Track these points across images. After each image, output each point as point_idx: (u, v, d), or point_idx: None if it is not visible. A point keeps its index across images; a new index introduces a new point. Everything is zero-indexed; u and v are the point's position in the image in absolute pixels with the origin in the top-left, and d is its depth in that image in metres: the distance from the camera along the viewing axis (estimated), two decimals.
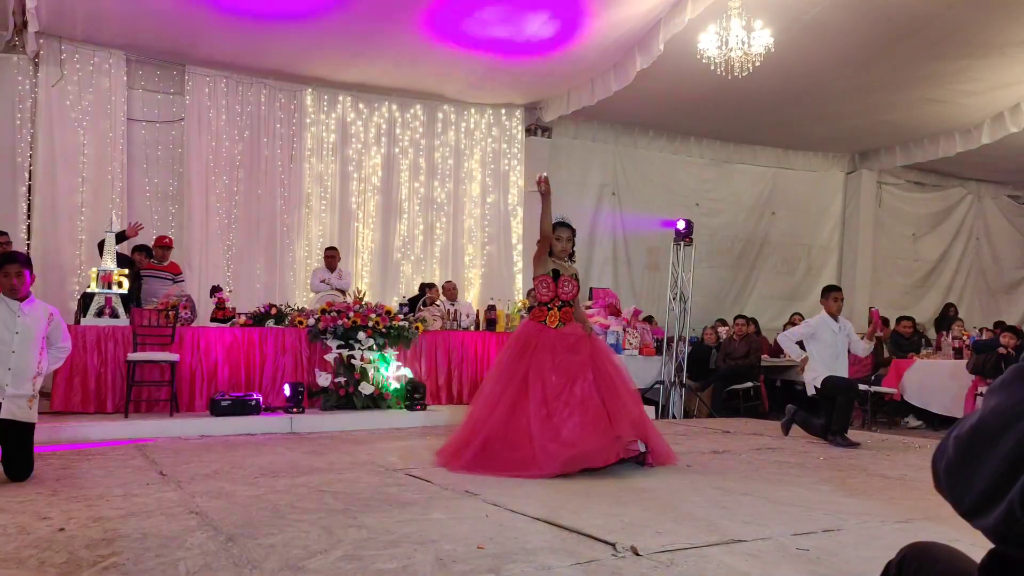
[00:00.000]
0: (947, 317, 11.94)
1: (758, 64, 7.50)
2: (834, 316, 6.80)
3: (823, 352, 6.72)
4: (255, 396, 6.93)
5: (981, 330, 9.19)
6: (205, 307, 8.08)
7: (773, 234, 12.43)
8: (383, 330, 7.66)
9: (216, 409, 6.72)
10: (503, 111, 10.51)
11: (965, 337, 8.99)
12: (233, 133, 9.33)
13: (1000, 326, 10.77)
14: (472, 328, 8.65)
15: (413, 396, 7.51)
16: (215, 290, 7.89)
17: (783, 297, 12.43)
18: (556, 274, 5.14)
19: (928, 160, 11.99)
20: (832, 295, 6.85)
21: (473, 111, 10.40)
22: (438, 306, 8.75)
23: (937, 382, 8.37)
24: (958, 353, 8.83)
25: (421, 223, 10.14)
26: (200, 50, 8.97)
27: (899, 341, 9.28)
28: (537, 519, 3.44)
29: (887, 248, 12.97)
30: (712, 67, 7.58)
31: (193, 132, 9.13)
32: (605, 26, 8.36)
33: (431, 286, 9.16)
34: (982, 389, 7.84)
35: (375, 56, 9.19)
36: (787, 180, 12.50)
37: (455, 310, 8.72)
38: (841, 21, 8.30)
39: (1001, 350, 7.55)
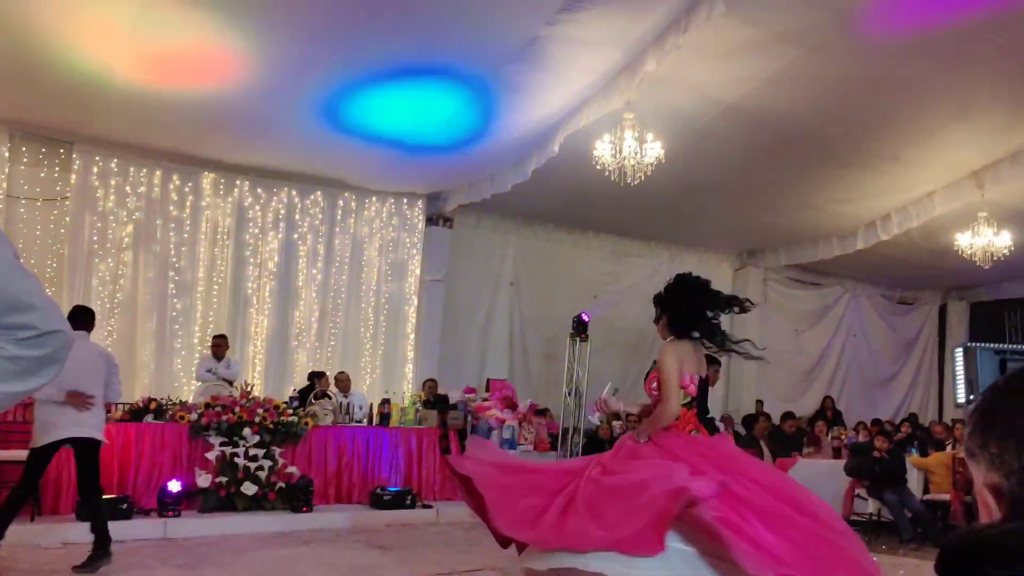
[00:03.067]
0: (825, 410, 12.46)
1: (650, 173, 7.81)
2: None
3: None
4: (127, 498, 6.54)
5: (857, 428, 9.61)
6: None
7: None
8: (270, 426, 7.41)
9: (82, 513, 6.29)
10: (405, 200, 10.56)
11: (844, 437, 9.38)
12: (122, 214, 9.02)
13: (877, 424, 11.32)
14: (365, 422, 8.46)
15: (299, 497, 7.24)
16: None
17: None
18: None
19: (809, 261, 12.67)
20: (711, 368, 7.24)
21: (375, 199, 10.41)
22: (330, 398, 8.54)
23: (818, 481, 8.64)
24: (837, 452, 9.19)
25: (317, 310, 9.97)
26: (91, 127, 8.70)
27: (782, 439, 9.59)
28: None
29: (773, 342, 13.44)
30: (606, 173, 7.85)
31: (77, 212, 8.78)
32: (506, 126, 8.59)
33: (321, 375, 8.96)
34: (859, 491, 8.15)
35: (274, 141, 9.13)
36: None
37: (348, 403, 8.54)
38: (728, 131, 8.79)
39: (876, 453, 7.89)
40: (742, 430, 11.55)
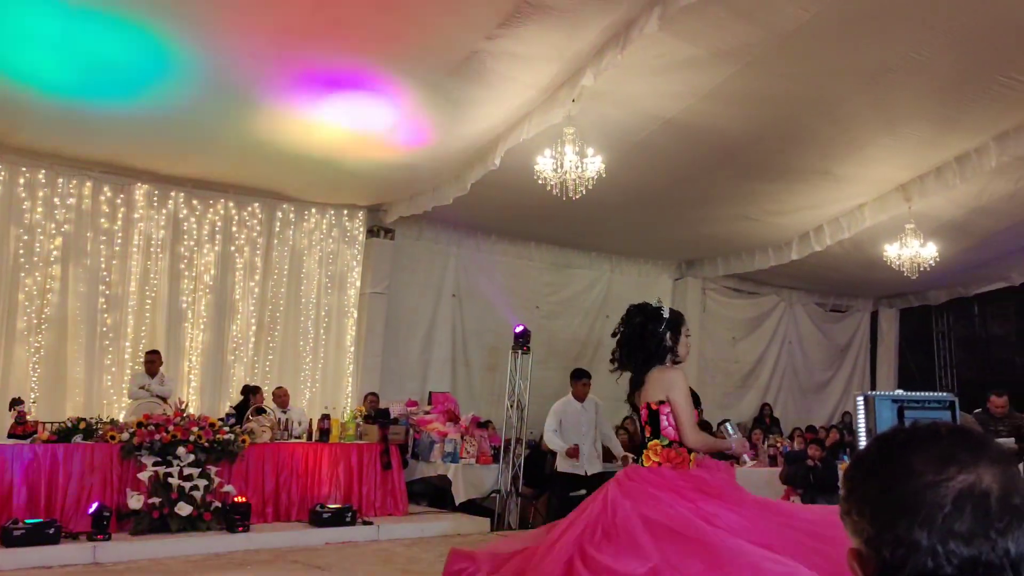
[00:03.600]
0: (763, 417, 12.72)
1: (591, 187, 7.87)
2: (579, 399, 7.55)
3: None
4: (53, 522, 6.31)
5: (792, 436, 9.83)
6: (4, 420, 7.36)
7: (607, 337, 12.79)
8: (206, 445, 7.25)
9: (8, 539, 6.07)
10: (345, 211, 10.46)
11: (780, 445, 9.58)
12: (50, 227, 8.73)
13: (812, 431, 11.59)
14: (304, 438, 8.33)
15: (235, 517, 7.09)
16: (15, 403, 7.21)
17: (617, 398, 12.74)
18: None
19: (746, 271, 12.95)
20: (581, 380, 7.70)
21: (314, 211, 10.29)
22: (268, 414, 8.39)
23: (756, 490, 8.80)
24: (773, 460, 9.38)
25: (255, 324, 9.79)
26: (16, 137, 8.41)
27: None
28: None
29: (711, 351, 13.74)
30: (548, 188, 7.89)
31: (2, 224, 8.47)
32: (447, 139, 8.58)
33: (256, 390, 8.79)
34: (794, 498, 8.33)
35: (210, 151, 8.96)
36: (620, 285, 13.08)
37: (286, 419, 8.40)
38: (666, 144, 8.93)
39: (809, 462, 8.08)
40: None
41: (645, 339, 3.81)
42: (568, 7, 6.42)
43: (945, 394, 2.67)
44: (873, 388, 15.85)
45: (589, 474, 7.49)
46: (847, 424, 13.66)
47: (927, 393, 2.68)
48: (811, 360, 15.01)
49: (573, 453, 7.41)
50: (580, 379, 7.82)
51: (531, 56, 7.12)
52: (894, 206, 10.50)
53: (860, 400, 2.64)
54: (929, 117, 8.79)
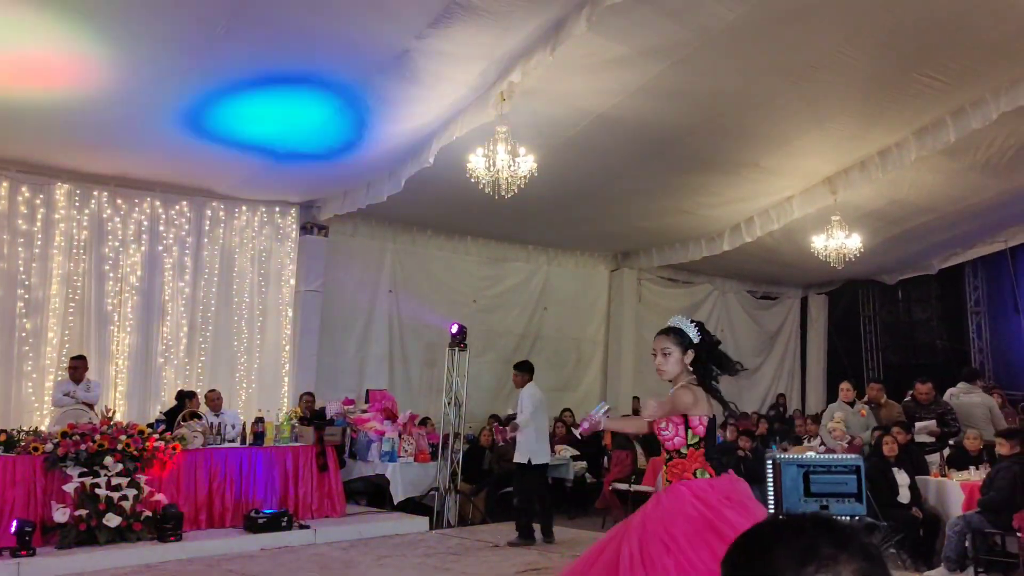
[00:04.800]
0: None
1: (523, 186, 7.88)
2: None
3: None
4: None
5: (724, 426, 10.01)
6: None
7: (545, 329, 12.99)
8: (135, 453, 7.07)
9: None
10: (277, 208, 10.27)
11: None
12: None
13: (745, 418, 11.87)
14: (238, 442, 8.19)
15: (166, 526, 6.94)
16: None
17: (555, 389, 12.92)
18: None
19: (680, 262, 13.16)
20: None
21: (245, 208, 10.07)
22: (200, 418, 8.22)
23: None
24: None
25: (186, 325, 9.56)
26: None
27: (652, 439, 9.90)
28: None
29: (647, 340, 13.90)
30: (481, 186, 7.87)
31: None
32: (380, 136, 8.48)
33: (191, 395, 8.61)
34: None
35: (135, 149, 8.70)
36: (557, 278, 13.16)
37: (219, 423, 8.24)
38: (599, 139, 8.99)
39: (740, 452, 8.28)
40: None
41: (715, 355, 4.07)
42: (498, 8, 6.39)
43: (852, 457, 2.77)
44: (804, 373, 16.34)
45: (547, 464, 7.84)
46: (780, 412, 14.05)
47: (833, 456, 2.78)
48: (743, 346, 15.33)
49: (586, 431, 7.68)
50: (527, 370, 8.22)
51: (462, 55, 7.08)
52: (821, 198, 10.78)
53: (769, 464, 2.71)
54: (853, 113, 9.04)
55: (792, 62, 7.90)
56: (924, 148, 9.52)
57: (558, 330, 13.14)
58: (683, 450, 3.69)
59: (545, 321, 13.01)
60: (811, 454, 2.73)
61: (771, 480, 2.72)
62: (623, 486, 9.17)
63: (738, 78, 8.09)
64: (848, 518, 2.70)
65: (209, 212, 9.82)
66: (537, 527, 7.68)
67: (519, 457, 7.80)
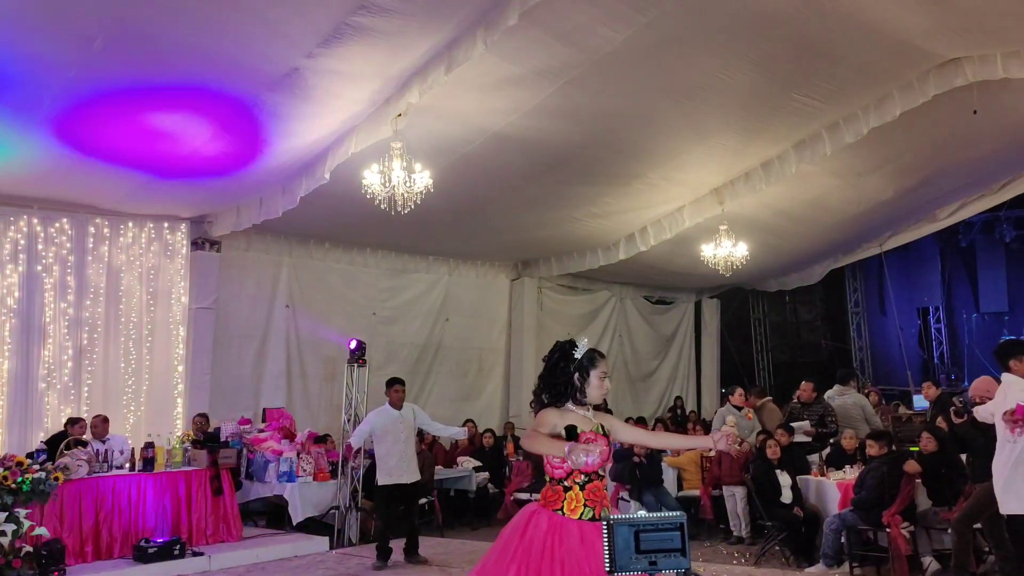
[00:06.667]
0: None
1: (420, 202, 7.91)
2: (395, 406, 7.72)
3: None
4: None
5: None
6: None
7: (447, 339, 13.02)
8: (13, 486, 6.73)
9: None
10: (166, 224, 9.95)
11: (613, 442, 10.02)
12: None
13: (642, 422, 12.20)
14: (126, 469, 7.91)
15: (49, 561, 6.65)
16: None
17: (458, 399, 13.01)
18: (572, 432, 3.55)
19: (578, 270, 13.44)
20: (393, 387, 7.82)
21: (132, 224, 9.71)
22: (84, 445, 7.89)
23: None
24: None
25: (70, 347, 9.15)
26: None
27: None
28: None
29: (548, 348, 14.12)
30: (376, 202, 7.85)
31: None
32: (272, 152, 8.34)
33: (76, 422, 8.25)
34: (623, 494, 8.79)
35: (7, 164, 8.27)
36: (459, 288, 13.22)
37: (105, 449, 7.93)
38: (495, 155, 9.12)
39: (635, 458, 8.53)
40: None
41: (556, 376, 3.73)
42: (390, 29, 6.41)
43: (677, 515, 2.94)
44: (699, 374, 16.91)
45: (408, 483, 7.60)
46: (678, 414, 14.50)
47: (660, 516, 2.94)
48: (640, 351, 15.79)
49: (346, 452, 8.09)
50: (392, 386, 7.87)
51: (355, 74, 7.06)
52: (709, 208, 11.23)
53: (605, 525, 2.85)
54: (736, 128, 9.47)
55: (676, 83, 8.22)
56: (803, 160, 10.07)
57: (460, 340, 13.20)
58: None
59: (447, 331, 13.05)
60: (642, 513, 2.88)
61: (606, 540, 2.85)
62: (524, 495, 9.30)
63: (626, 98, 8.37)
64: (674, 572, 2.88)
65: (92, 229, 9.42)
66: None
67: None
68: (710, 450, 5.27)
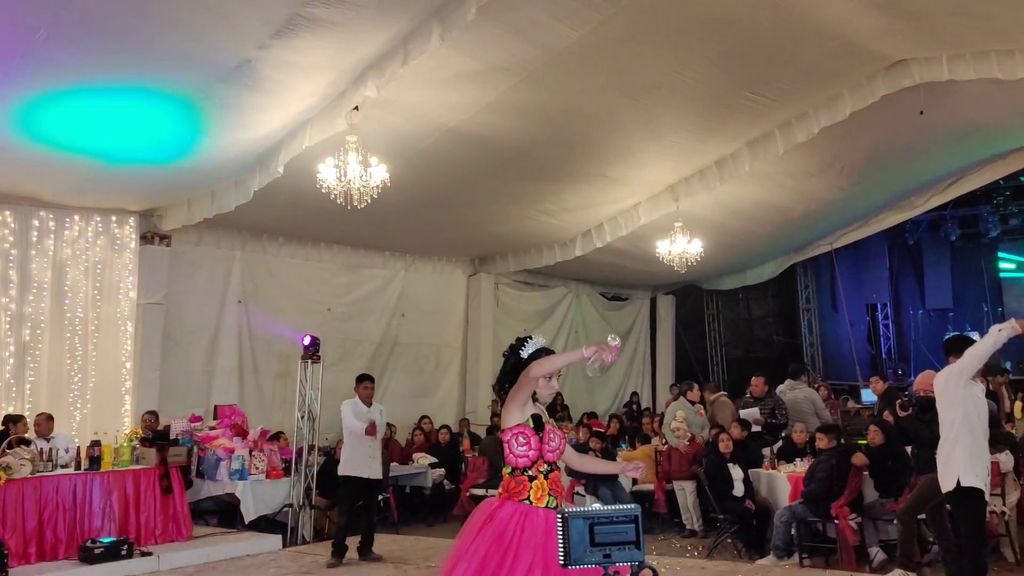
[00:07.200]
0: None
1: (376, 196, 7.83)
2: (366, 402, 7.78)
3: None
4: None
5: (578, 428, 10.37)
6: None
7: (403, 335, 12.94)
8: None
9: None
10: (114, 218, 9.71)
11: (568, 435, 10.06)
12: None
13: (592, 417, 12.29)
14: (72, 468, 7.71)
15: None
16: None
17: (414, 395, 12.93)
18: (538, 421, 3.63)
19: (535, 267, 13.46)
20: (363, 384, 7.89)
21: (77, 217, 9.46)
22: (28, 444, 7.68)
23: None
24: None
25: (12, 344, 8.88)
26: None
27: None
28: None
29: (504, 344, 14.02)
30: (332, 196, 7.76)
31: None
32: (223, 145, 8.19)
33: (18, 419, 8.02)
34: (579, 489, 8.83)
35: None
36: (415, 283, 13.15)
37: (50, 448, 7.73)
38: (451, 150, 9.08)
39: (592, 453, 8.56)
40: (481, 433, 12.03)
41: (507, 372, 3.80)
42: (344, 20, 6.33)
43: (631, 507, 2.96)
44: (654, 370, 17.07)
45: (373, 479, 7.62)
46: (634, 409, 14.60)
47: (614, 508, 2.96)
48: None
49: (371, 431, 7.59)
50: (363, 382, 7.90)
51: (308, 65, 6.96)
52: (664, 205, 11.32)
53: (559, 519, 2.86)
54: (690, 127, 9.56)
55: (631, 81, 8.26)
56: (756, 158, 10.19)
57: (416, 336, 13.13)
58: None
59: (403, 327, 12.96)
60: (596, 505, 2.92)
61: (561, 533, 2.85)
62: (480, 491, 9.29)
63: (582, 95, 8.39)
64: (628, 564, 2.89)
65: (36, 222, 9.16)
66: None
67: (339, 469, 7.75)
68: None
